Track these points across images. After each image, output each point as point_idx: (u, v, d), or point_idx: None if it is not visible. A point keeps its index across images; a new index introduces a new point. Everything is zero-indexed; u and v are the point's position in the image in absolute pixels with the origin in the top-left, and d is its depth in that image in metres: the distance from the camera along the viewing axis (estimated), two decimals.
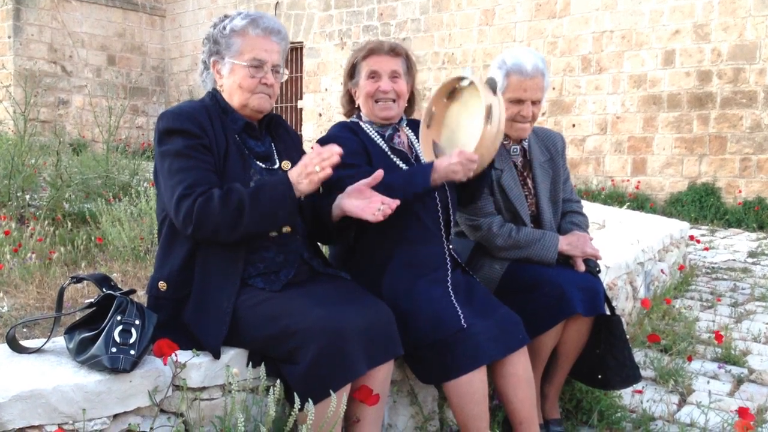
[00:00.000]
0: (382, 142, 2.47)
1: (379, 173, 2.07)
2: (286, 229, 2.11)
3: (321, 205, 2.22)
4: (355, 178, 2.16)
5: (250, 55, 2.11)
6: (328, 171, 1.96)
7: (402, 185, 2.22)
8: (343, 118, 2.63)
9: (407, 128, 2.58)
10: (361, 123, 2.51)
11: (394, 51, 2.47)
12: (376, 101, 2.44)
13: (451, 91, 2.46)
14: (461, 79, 2.39)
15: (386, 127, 2.50)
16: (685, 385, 3.18)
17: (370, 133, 2.48)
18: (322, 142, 2.42)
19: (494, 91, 2.26)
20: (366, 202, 2.05)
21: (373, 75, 2.44)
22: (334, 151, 1.96)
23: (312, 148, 2.41)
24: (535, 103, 2.67)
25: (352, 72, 2.51)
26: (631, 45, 9.48)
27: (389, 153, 2.46)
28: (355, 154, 2.34)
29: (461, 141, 2.37)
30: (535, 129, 2.88)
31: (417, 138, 2.55)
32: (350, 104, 2.57)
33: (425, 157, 2.43)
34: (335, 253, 2.51)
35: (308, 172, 1.96)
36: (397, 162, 2.45)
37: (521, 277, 2.58)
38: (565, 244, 2.64)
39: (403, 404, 2.44)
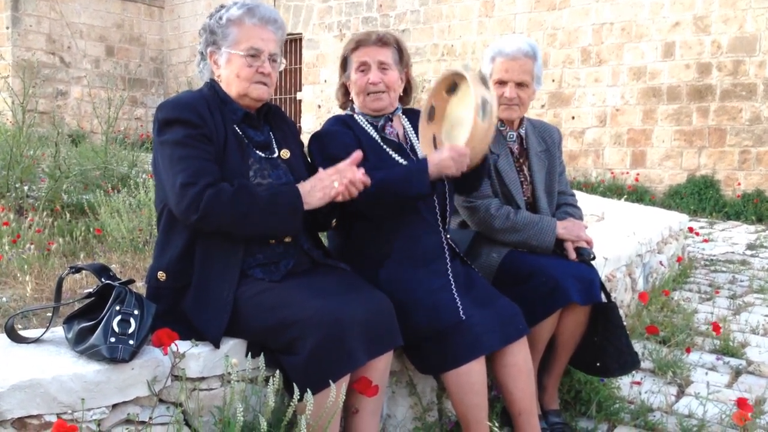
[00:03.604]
0: (376, 133, 2.46)
1: (357, 154, 2.07)
2: (287, 239, 2.12)
3: None
4: None
5: (246, 44, 2.11)
6: (346, 185, 1.98)
7: (398, 185, 2.22)
8: (341, 110, 2.63)
9: (404, 117, 2.56)
10: (355, 115, 2.50)
11: (382, 41, 2.43)
12: (367, 94, 2.43)
13: (451, 85, 2.42)
14: (455, 73, 2.36)
15: (379, 118, 2.49)
16: (684, 376, 3.19)
17: (364, 126, 2.47)
18: (317, 136, 2.42)
19: (486, 85, 2.24)
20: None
21: (362, 67, 2.43)
22: (357, 175, 2.00)
23: (308, 143, 2.38)
24: (521, 86, 2.69)
25: (344, 65, 2.51)
26: (631, 37, 9.46)
27: (383, 145, 2.45)
28: (349, 148, 2.31)
29: (459, 134, 2.35)
30: (532, 121, 2.94)
31: (413, 128, 2.53)
32: (345, 96, 2.57)
33: (424, 151, 2.41)
34: (334, 245, 2.51)
35: (324, 186, 1.99)
36: (391, 153, 2.44)
37: (517, 268, 2.58)
38: (561, 228, 2.67)
39: (402, 395, 2.44)
